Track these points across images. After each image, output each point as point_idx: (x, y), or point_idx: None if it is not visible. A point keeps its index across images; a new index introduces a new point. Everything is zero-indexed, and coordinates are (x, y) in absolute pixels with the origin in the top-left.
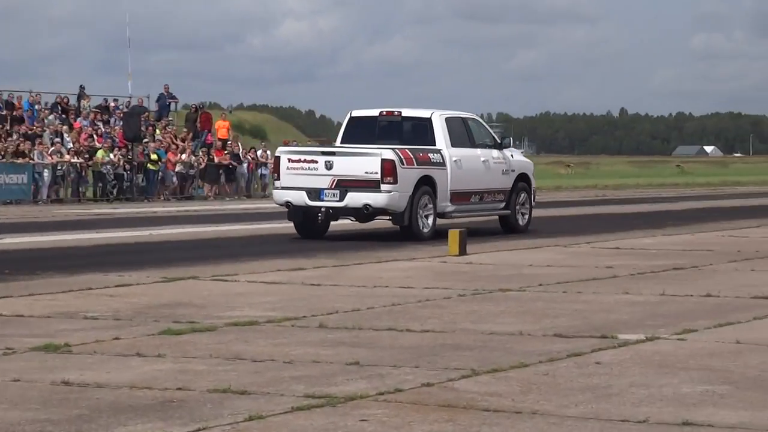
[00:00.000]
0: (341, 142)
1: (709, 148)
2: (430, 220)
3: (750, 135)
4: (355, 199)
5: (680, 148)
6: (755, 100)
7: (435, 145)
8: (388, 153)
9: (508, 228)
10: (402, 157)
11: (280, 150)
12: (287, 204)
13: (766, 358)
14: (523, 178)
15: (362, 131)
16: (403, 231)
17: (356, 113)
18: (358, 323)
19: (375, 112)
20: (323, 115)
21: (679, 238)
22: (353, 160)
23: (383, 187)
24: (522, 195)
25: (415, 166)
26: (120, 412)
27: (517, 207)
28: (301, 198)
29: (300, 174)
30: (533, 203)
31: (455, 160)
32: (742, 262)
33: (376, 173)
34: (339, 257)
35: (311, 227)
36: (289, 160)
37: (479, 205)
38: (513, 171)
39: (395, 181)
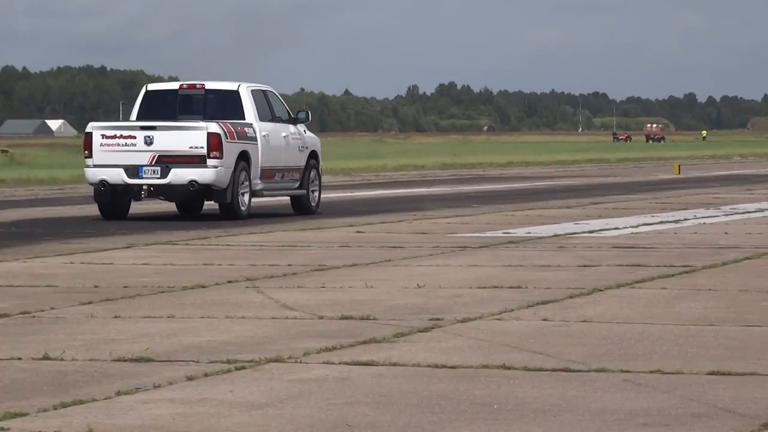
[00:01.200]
0: (137, 120)
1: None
2: (247, 198)
3: None
4: (180, 175)
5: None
6: None
7: (245, 119)
8: (213, 126)
9: (300, 208)
10: (225, 130)
11: (93, 125)
12: (102, 183)
13: None
14: (313, 156)
15: (160, 106)
16: (224, 209)
17: (152, 87)
18: None
19: (174, 86)
20: None
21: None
22: (176, 134)
23: (210, 162)
24: (312, 173)
25: (236, 140)
26: None
27: (310, 186)
28: (118, 176)
29: (115, 150)
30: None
31: (264, 135)
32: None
33: (202, 148)
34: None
35: (117, 209)
36: (103, 136)
37: (280, 184)
38: (306, 148)
39: (221, 156)
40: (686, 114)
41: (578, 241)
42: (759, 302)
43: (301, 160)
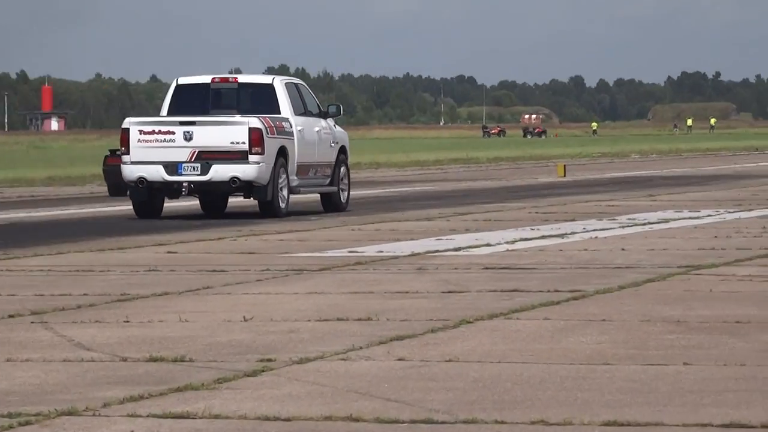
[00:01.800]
0: (168, 114)
1: None
2: (285, 195)
3: None
4: (221, 171)
5: None
6: None
7: (280, 113)
8: (255, 121)
9: (330, 206)
10: (266, 125)
11: (130, 121)
12: (141, 180)
13: None
14: (342, 151)
15: (192, 101)
16: (264, 207)
17: (183, 80)
18: None
19: (206, 79)
20: None
21: None
22: (217, 129)
23: (251, 158)
24: (342, 169)
25: (276, 135)
26: None
27: (340, 183)
28: (157, 173)
29: (154, 147)
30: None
31: (299, 129)
32: None
33: (244, 143)
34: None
35: (152, 207)
36: (141, 131)
37: (314, 180)
38: (336, 143)
39: (263, 152)
40: (572, 102)
41: (441, 261)
42: (664, 335)
43: (332, 156)
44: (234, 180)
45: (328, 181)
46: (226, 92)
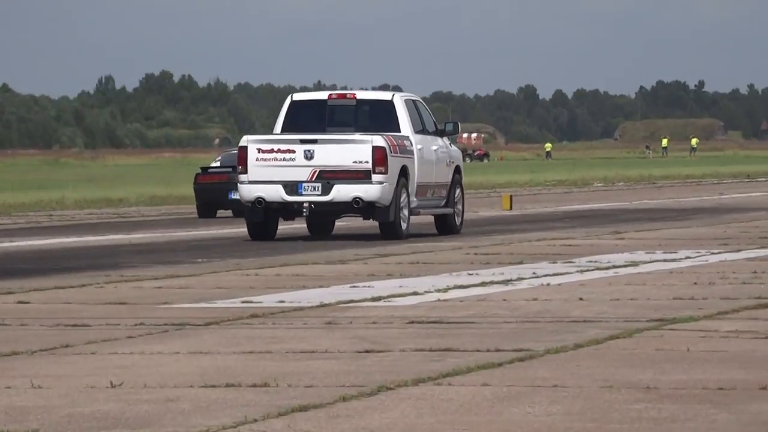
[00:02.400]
0: (282, 131)
1: None
2: (407, 216)
3: None
4: (344, 192)
5: None
6: None
7: (400, 131)
8: (378, 139)
9: (445, 229)
10: (389, 144)
11: (248, 139)
12: (259, 200)
13: None
14: (457, 171)
15: (308, 118)
16: (386, 229)
17: (299, 97)
18: None
19: (323, 95)
20: None
21: None
22: (338, 147)
23: (375, 177)
24: (458, 190)
25: (398, 154)
26: None
27: (455, 204)
28: (276, 193)
29: (273, 166)
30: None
31: (419, 149)
32: None
33: (367, 162)
34: None
35: (267, 228)
36: (259, 150)
37: (431, 201)
38: (452, 162)
39: (386, 171)
40: (521, 118)
41: (357, 313)
42: (630, 405)
43: (448, 176)
44: (357, 200)
45: (443, 202)
46: (343, 109)
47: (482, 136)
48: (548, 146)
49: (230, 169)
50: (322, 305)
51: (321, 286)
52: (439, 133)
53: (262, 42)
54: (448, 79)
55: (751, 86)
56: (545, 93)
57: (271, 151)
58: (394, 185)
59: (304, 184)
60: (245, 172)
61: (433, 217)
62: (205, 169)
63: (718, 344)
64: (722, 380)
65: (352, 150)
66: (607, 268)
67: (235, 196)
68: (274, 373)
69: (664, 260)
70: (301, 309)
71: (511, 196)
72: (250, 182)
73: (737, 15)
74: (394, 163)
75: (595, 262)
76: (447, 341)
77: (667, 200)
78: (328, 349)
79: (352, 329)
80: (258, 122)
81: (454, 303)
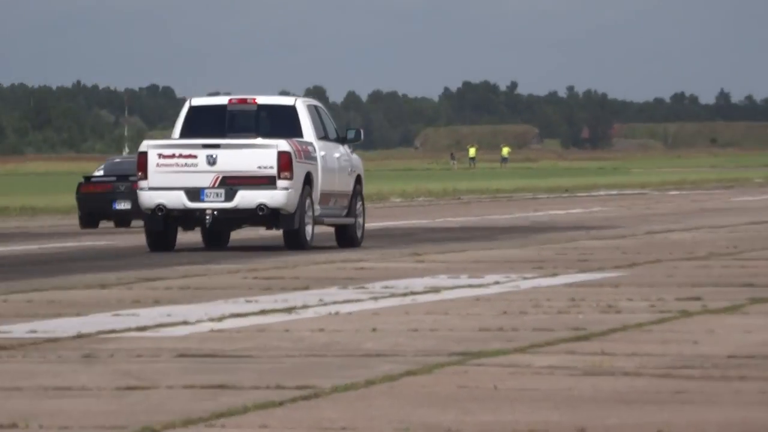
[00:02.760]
0: (180, 137)
1: None
2: (311, 225)
3: None
4: (248, 198)
5: None
6: None
7: (302, 137)
8: (284, 144)
9: (345, 240)
10: (294, 149)
11: (148, 144)
12: (159, 207)
13: None
14: (358, 181)
15: (207, 123)
16: (290, 238)
17: (197, 102)
18: None
19: (222, 100)
20: None
21: None
22: (242, 152)
23: (280, 183)
24: (359, 201)
25: (303, 160)
26: None
27: (357, 215)
28: (178, 200)
29: (174, 171)
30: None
31: (323, 155)
32: None
33: (272, 168)
34: None
35: (166, 238)
36: (160, 155)
37: (333, 210)
38: (354, 171)
39: (292, 177)
40: None
41: (119, 344)
42: None
43: (349, 185)
44: (261, 207)
45: (345, 212)
46: (244, 114)
47: None
48: None
49: (114, 178)
50: (80, 336)
51: (79, 314)
52: (341, 140)
53: (15, 34)
54: (214, 79)
55: (570, 88)
56: (336, 95)
57: (173, 156)
58: (300, 192)
59: (206, 191)
60: (145, 178)
61: (333, 228)
62: (88, 179)
63: (530, 381)
64: (534, 422)
65: (257, 155)
66: (405, 295)
67: (119, 206)
68: (24, 413)
69: (470, 286)
70: (56, 340)
71: None
72: (151, 189)
73: (554, 6)
74: (299, 169)
75: (391, 287)
76: (221, 377)
77: (474, 218)
78: (85, 386)
79: (113, 363)
80: (9, 127)
81: (230, 334)
